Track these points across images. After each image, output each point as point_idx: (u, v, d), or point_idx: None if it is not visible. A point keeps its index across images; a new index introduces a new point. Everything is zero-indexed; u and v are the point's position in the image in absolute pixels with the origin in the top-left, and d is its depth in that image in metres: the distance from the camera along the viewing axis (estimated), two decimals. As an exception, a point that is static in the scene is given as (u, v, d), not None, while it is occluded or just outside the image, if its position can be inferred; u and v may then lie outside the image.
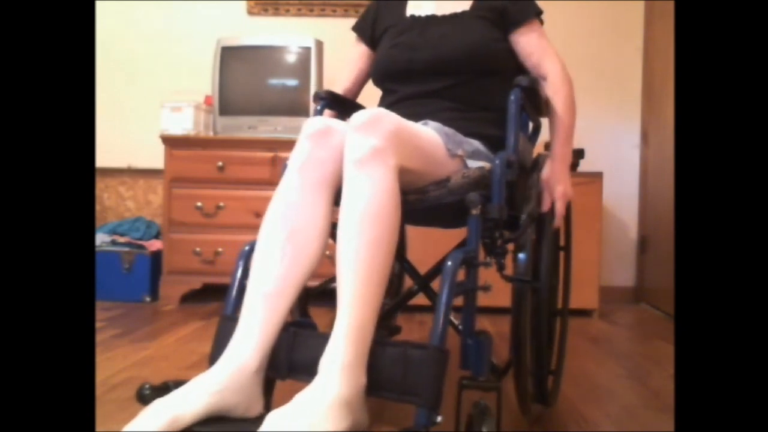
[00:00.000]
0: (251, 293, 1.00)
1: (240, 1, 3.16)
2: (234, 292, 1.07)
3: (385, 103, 1.42)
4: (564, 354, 1.62)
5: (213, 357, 1.00)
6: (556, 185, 1.31)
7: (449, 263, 0.96)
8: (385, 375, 0.92)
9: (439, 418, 0.88)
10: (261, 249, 1.03)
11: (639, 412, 1.49)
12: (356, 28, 1.55)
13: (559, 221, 1.32)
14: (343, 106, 1.45)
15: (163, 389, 0.93)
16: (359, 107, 1.40)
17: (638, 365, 1.93)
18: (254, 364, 0.95)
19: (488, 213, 1.06)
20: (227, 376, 0.92)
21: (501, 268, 1.17)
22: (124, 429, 0.84)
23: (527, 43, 1.39)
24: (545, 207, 1.30)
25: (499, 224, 1.10)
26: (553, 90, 1.37)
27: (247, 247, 1.08)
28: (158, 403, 0.88)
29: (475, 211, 1.05)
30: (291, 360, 0.97)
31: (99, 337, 2.07)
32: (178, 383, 0.93)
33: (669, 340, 2.26)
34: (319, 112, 1.38)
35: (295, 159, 1.07)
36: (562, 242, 1.58)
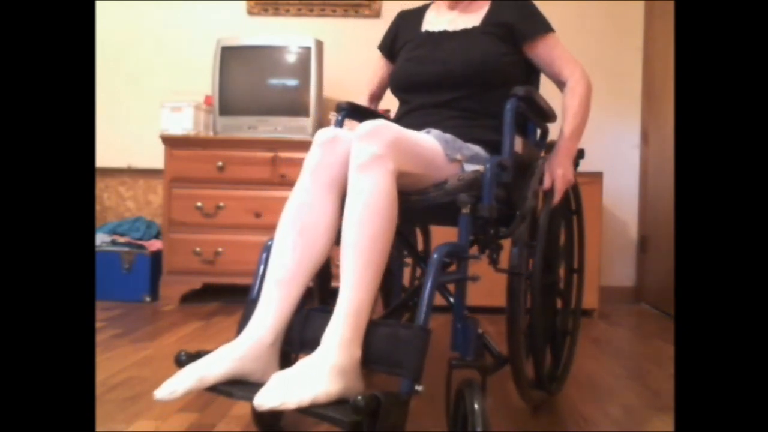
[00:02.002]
0: (268, 280, 1.15)
1: (240, 1, 3.17)
2: (258, 280, 1.21)
3: (400, 111, 1.55)
4: (571, 362, 1.64)
5: (239, 333, 1.14)
6: (557, 168, 1.41)
7: (435, 255, 1.07)
8: (377, 350, 1.04)
9: (420, 388, 0.98)
10: (277, 242, 1.17)
11: (639, 412, 1.49)
12: (380, 46, 1.70)
13: (557, 199, 1.40)
14: (362, 115, 1.56)
15: (195, 356, 1.08)
16: (378, 116, 1.53)
17: (638, 365, 1.93)
18: (269, 339, 1.10)
19: (478, 212, 1.17)
20: (246, 347, 1.08)
21: (494, 262, 1.28)
22: (163, 384, 1.00)
23: (546, 54, 1.50)
24: (546, 186, 1.39)
25: (490, 222, 1.20)
26: (570, 94, 1.49)
27: (269, 242, 1.21)
28: (189, 367, 1.04)
29: (465, 210, 1.15)
30: (303, 337, 1.12)
31: (99, 337, 2.07)
32: (208, 352, 1.08)
33: (669, 340, 2.26)
34: (340, 122, 1.50)
35: (307, 164, 1.20)
36: (575, 264, 1.66)
